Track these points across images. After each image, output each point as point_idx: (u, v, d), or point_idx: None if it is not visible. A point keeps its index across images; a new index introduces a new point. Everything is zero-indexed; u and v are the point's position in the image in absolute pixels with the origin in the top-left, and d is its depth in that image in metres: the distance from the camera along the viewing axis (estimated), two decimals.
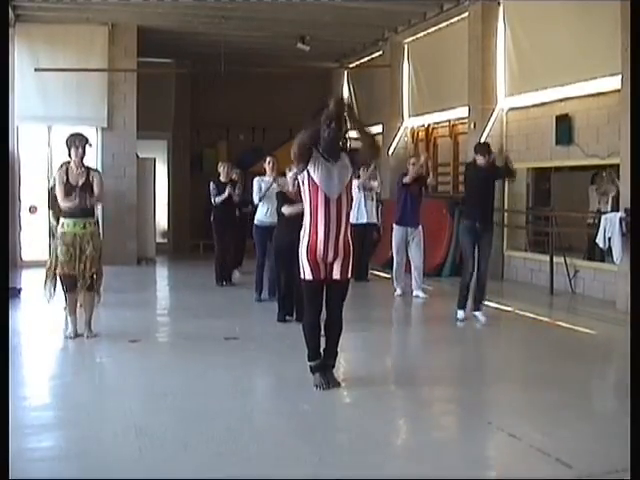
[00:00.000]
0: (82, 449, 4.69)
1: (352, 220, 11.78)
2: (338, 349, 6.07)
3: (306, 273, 5.84)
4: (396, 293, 10.99)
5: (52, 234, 9.55)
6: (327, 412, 5.58)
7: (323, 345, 6.07)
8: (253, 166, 17.11)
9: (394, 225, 11.01)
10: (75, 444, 4.79)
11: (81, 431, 5.04)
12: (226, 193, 11.57)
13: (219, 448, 4.69)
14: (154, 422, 5.20)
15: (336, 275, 5.86)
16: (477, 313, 8.97)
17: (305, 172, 5.75)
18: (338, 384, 6.04)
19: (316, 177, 5.71)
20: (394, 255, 11.13)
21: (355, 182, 11.20)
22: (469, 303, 9.03)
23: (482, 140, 12.55)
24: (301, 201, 8.73)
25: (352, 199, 6.18)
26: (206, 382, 6.31)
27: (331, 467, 4.39)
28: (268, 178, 10.22)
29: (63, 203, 7.81)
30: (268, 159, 10.39)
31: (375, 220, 12.72)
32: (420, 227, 10.85)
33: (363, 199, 12.30)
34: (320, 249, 5.76)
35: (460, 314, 9.00)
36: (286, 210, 8.74)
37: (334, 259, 5.82)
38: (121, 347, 7.59)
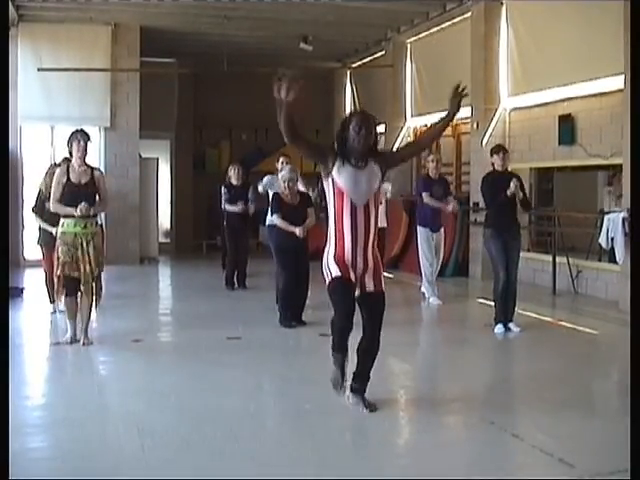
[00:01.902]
0: (84, 448, 4.69)
1: None
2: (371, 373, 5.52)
3: (332, 271, 5.32)
4: (431, 301, 10.24)
5: (41, 239, 9.28)
6: (329, 412, 5.57)
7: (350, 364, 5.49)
8: (257, 166, 17.14)
9: (418, 227, 10.33)
10: (77, 443, 4.79)
11: (83, 430, 5.04)
12: (238, 208, 11.35)
13: (221, 447, 4.69)
14: (156, 421, 5.21)
15: (369, 287, 5.37)
16: (510, 324, 8.40)
17: (330, 178, 5.35)
18: (374, 408, 5.44)
19: (342, 183, 5.30)
20: (422, 259, 10.29)
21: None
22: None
23: (484, 141, 12.58)
24: (296, 203, 8.83)
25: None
26: (208, 382, 6.31)
27: (333, 467, 4.39)
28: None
29: (55, 206, 7.55)
30: (282, 159, 10.22)
31: (384, 224, 12.41)
32: (442, 230, 10.37)
33: None
34: (348, 259, 5.31)
35: (499, 328, 8.34)
36: (280, 223, 8.77)
37: (364, 270, 5.35)
38: (124, 347, 7.60)
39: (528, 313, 9.57)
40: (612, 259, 10.27)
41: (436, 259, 10.36)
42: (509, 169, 8.70)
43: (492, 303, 9.25)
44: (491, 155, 8.59)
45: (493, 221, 8.43)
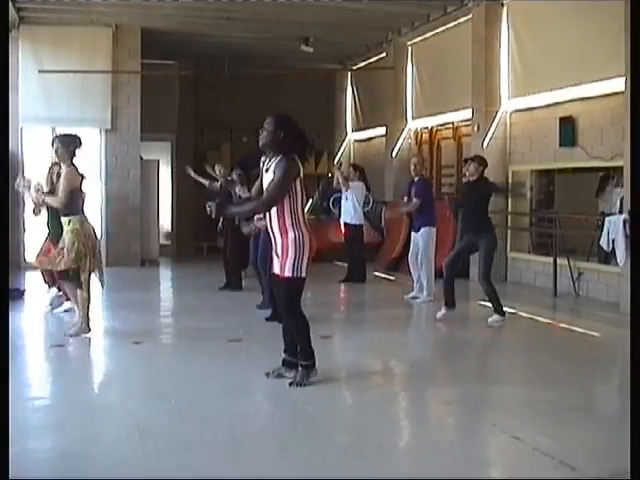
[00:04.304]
0: (85, 450, 4.69)
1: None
2: (306, 348, 6.10)
3: None
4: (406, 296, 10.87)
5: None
6: (330, 413, 5.58)
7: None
8: (256, 168, 17.15)
9: None
10: (79, 445, 4.78)
11: (85, 432, 5.03)
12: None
13: (222, 449, 4.69)
14: (157, 423, 5.20)
15: (277, 271, 6.09)
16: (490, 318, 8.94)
17: None
18: (298, 384, 6.06)
19: None
20: None
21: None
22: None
23: (485, 143, 12.59)
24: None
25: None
26: (209, 383, 6.31)
27: (334, 469, 4.39)
28: None
29: None
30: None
31: (355, 221, 12.57)
32: (422, 230, 10.55)
33: (344, 199, 12.61)
34: None
35: (440, 312, 9.21)
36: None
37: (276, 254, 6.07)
38: (125, 348, 7.60)
39: (529, 315, 9.59)
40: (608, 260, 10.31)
41: (421, 260, 10.62)
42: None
43: (489, 304, 9.29)
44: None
45: (461, 222, 9.58)
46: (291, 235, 5.93)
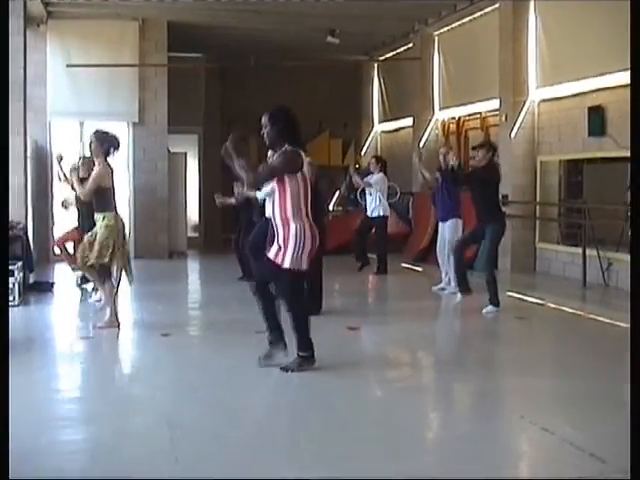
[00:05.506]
0: (114, 441, 4.71)
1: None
2: (303, 339, 6.13)
3: None
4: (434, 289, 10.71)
5: None
6: (358, 406, 5.57)
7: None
8: None
9: None
10: (107, 436, 4.80)
11: (113, 423, 5.06)
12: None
13: (250, 441, 4.70)
14: (186, 415, 5.22)
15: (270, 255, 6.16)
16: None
17: None
18: (291, 370, 6.11)
19: None
20: None
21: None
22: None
23: (513, 133, 12.50)
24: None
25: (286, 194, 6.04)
26: (237, 375, 6.31)
27: (362, 461, 4.37)
28: None
29: None
30: None
31: (377, 213, 12.55)
32: (449, 222, 10.50)
33: (368, 194, 12.70)
34: None
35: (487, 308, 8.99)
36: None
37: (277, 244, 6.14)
38: (153, 340, 7.63)
39: (558, 306, 9.52)
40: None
41: (446, 248, 10.46)
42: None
43: (521, 296, 9.21)
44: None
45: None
46: (292, 227, 5.99)
